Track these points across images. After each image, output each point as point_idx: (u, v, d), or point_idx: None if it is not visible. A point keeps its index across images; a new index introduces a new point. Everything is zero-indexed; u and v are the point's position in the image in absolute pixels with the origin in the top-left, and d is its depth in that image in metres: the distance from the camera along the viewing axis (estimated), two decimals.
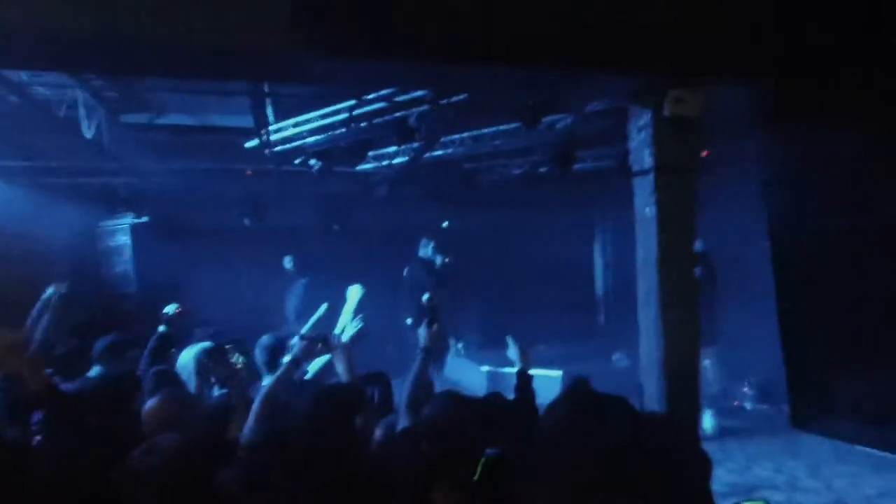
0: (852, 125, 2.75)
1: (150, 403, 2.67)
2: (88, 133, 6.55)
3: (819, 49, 2.93)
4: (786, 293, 3.10)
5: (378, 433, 2.75)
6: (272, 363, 3.65)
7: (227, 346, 3.01)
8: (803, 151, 3.06)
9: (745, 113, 3.49)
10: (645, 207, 3.56)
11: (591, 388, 2.34)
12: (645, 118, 3.52)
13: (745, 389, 8.19)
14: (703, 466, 2.53)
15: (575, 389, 2.23)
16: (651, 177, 3.47)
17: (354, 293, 4.09)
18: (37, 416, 2.37)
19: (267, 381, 3.63)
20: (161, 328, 4.12)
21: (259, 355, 3.72)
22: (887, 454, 5.28)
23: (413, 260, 8.43)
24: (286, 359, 3.11)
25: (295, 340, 3.25)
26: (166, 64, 3.16)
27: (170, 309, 4.28)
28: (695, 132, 3.48)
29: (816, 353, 2.98)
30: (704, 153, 6.83)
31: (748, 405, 8.13)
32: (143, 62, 3.16)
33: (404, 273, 8.38)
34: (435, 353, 3.46)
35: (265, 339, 3.79)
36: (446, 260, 8.35)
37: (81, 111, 6.29)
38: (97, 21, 2.66)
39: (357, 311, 3.19)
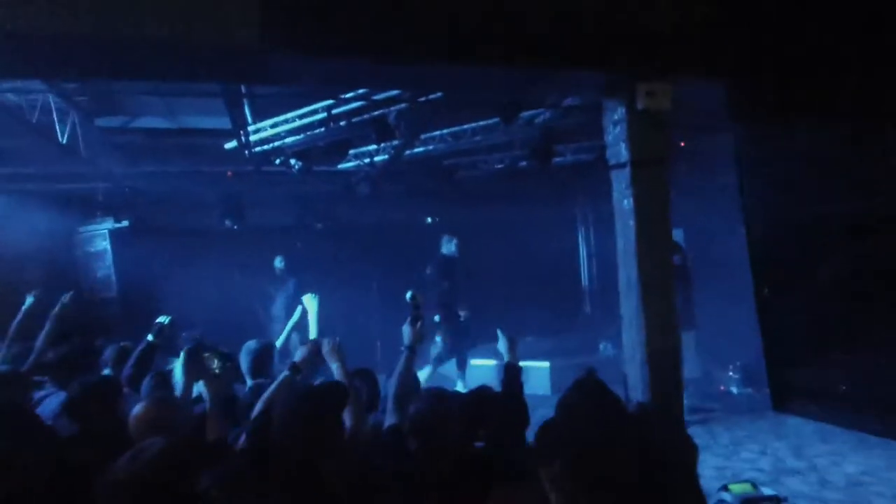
0: (818, 122, 2.82)
1: (137, 408, 2.65)
2: (62, 138, 6.46)
3: (785, 48, 2.99)
4: (761, 280, 3.17)
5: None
6: (257, 368, 3.64)
7: (206, 354, 2.97)
8: (773, 146, 3.13)
9: (720, 107, 3.54)
10: (623, 200, 3.60)
11: (598, 378, 2.39)
12: (619, 112, 3.56)
13: (731, 374, 8.31)
14: (690, 453, 2.59)
15: (585, 379, 2.28)
16: (627, 170, 3.51)
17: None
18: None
19: (250, 384, 3.63)
20: (150, 337, 4.08)
21: (244, 360, 3.69)
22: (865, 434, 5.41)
23: (436, 257, 8.46)
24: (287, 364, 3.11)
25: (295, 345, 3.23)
26: (135, 65, 3.13)
27: (163, 319, 4.25)
28: (668, 125, 3.53)
29: (792, 338, 3.06)
30: (682, 144, 6.94)
31: (734, 389, 8.25)
32: (112, 63, 3.12)
33: (427, 271, 8.40)
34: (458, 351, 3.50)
35: (251, 344, 3.77)
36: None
37: (54, 116, 6.20)
38: (64, 24, 2.63)
39: (414, 316, 3.18)
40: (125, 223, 8.54)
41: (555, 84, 3.68)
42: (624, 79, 3.39)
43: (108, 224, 8.50)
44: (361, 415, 2.77)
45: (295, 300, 9.16)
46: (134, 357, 3.91)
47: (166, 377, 3.45)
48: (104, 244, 8.50)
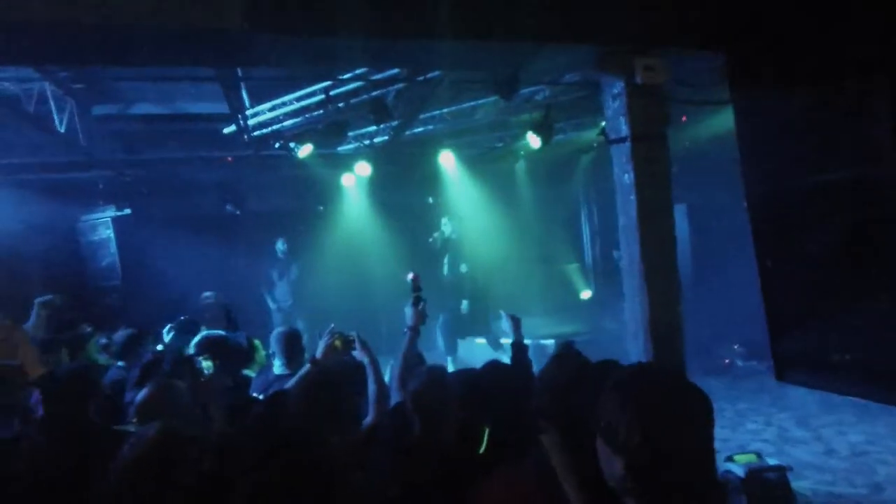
0: (818, 88, 2.79)
1: (141, 394, 2.68)
2: (61, 127, 6.44)
3: (783, 14, 2.94)
4: (763, 251, 3.15)
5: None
6: (288, 353, 3.69)
7: (198, 357, 2.98)
8: (773, 115, 3.10)
9: (719, 78, 3.50)
10: (623, 174, 3.58)
11: (576, 349, 2.40)
12: (618, 87, 3.53)
13: (735, 347, 8.35)
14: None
15: (562, 351, 2.29)
16: (627, 144, 3.48)
17: None
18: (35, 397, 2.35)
19: (278, 369, 3.68)
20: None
21: (276, 346, 3.75)
22: (871, 402, 5.44)
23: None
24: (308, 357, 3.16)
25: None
26: (126, 50, 3.11)
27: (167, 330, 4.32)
28: (666, 99, 3.51)
29: (795, 308, 3.05)
30: (683, 119, 6.87)
31: (739, 362, 8.29)
32: (104, 50, 3.10)
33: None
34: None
35: (281, 330, 3.83)
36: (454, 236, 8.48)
37: (52, 105, 6.18)
38: (56, 11, 2.61)
39: (416, 297, 3.21)
40: (127, 211, 8.56)
41: (553, 60, 3.63)
42: (622, 53, 3.35)
43: (111, 212, 8.51)
44: (384, 403, 2.81)
45: (298, 284, 9.26)
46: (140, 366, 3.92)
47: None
48: (107, 232, 8.53)
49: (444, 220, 8.77)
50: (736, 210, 7.24)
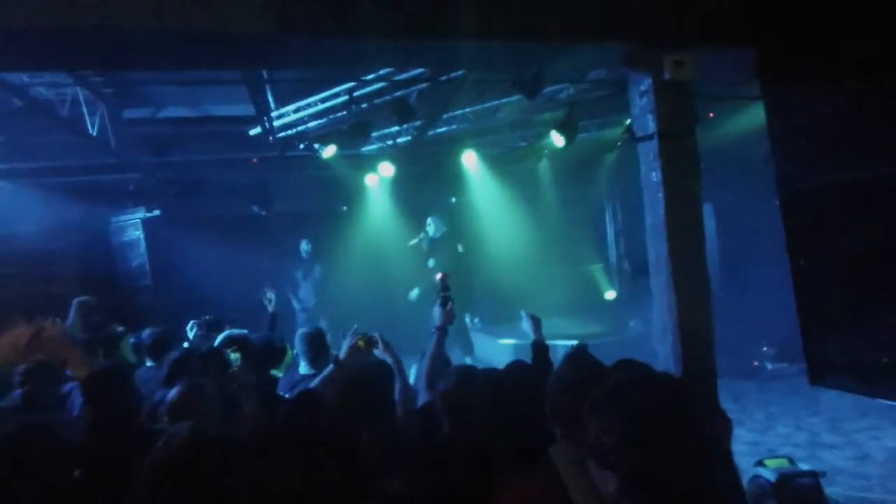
0: (852, 82, 2.71)
1: (172, 393, 2.72)
2: (93, 130, 6.60)
3: (811, 8, 2.87)
4: (796, 250, 3.08)
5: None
6: (313, 353, 3.72)
7: (223, 348, 3.03)
8: (806, 110, 3.02)
9: (748, 72, 3.43)
10: (650, 172, 3.52)
11: (588, 352, 2.38)
12: (645, 83, 3.47)
13: (764, 349, 8.18)
14: (723, 427, 2.55)
15: (574, 354, 2.28)
16: (655, 142, 3.42)
17: None
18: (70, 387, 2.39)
19: (304, 369, 3.72)
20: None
21: (300, 346, 3.79)
22: None
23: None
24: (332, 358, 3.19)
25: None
26: (153, 55, 3.16)
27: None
28: (695, 95, 3.45)
29: (829, 309, 2.97)
30: (710, 115, 6.76)
31: (768, 365, 8.12)
32: (131, 54, 3.16)
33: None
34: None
35: (305, 331, 3.86)
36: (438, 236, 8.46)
37: (84, 109, 6.33)
38: (86, 16, 2.66)
39: (444, 297, 3.22)
40: (157, 212, 8.73)
41: (579, 57, 3.59)
42: (650, 49, 3.30)
43: (141, 213, 8.69)
44: (409, 402, 2.82)
45: (321, 284, 9.34)
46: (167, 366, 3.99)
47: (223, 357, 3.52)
48: (137, 233, 8.71)
49: (428, 221, 8.66)
50: (764, 209, 7.11)
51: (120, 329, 4.82)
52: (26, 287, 8.30)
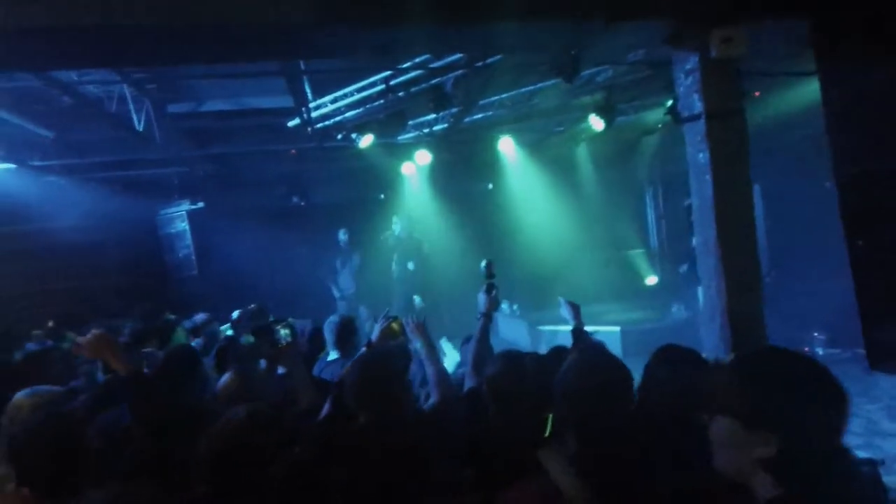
0: None
1: (223, 379, 2.80)
2: (139, 126, 6.79)
3: None
4: (853, 232, 2.95)
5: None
6: (340, 340, 3.77)
7: (273, 325, 3.09)
8: (863, 86, 2.87)
9: (802, 50, 3.29)
10: (697, 154, 3.43)
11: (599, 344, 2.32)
12: (691, 62, 3.37)
13: (816, 335, 7.91)
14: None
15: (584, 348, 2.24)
16: (702, 122, 3.33)
17: None
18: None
19: (331, 356, 3.77)
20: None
21: (328, 333, 3.83)
22: None
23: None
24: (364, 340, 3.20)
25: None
26: (197, 50, 3.22)
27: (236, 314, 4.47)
28: (744, 72, 3.33)
29: (889, 293, 2.85)
30: (756, 94, 6.52)
31: (819, 351, 7.86)
32: (175, 50, 3.23)
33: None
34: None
35: (334, 319, 3.90)
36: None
37: (130, 105, 6.51)
38: (128, 15, 2.73)
39: (489, 284, 3.21)
40: (201, 204, 8.96)
41: (621, 37, 3.50)
42: (696, 25, 3.20)
43: (186, 206, 8.94)
44: (446, 385, 2.81)
45: (360, 272, 9.46)
46: (214, 350, 4.10)
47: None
48: (183, 225, 8.97)
49: (394, 220, 9.04)
50: (814, 190, 6.86)
51: (172, 317, 4.99)
52: (78, 278, 8.68)
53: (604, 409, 1.88)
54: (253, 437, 1.78)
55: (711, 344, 3.50)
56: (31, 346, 4.27)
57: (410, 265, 8.87)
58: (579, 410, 1.90)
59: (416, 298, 8.92)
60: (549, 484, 1.72)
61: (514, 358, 2.39)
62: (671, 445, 1.78)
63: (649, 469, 1.70)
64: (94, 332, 2.53)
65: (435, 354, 2.96)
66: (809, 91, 4.54)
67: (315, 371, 3.74)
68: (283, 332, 2.99)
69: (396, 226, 9.02)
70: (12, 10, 2.60)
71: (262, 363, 3.17)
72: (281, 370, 3.14)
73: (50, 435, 1.96)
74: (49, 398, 2.67)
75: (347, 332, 3.80)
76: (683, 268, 8.55)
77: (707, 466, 1.34)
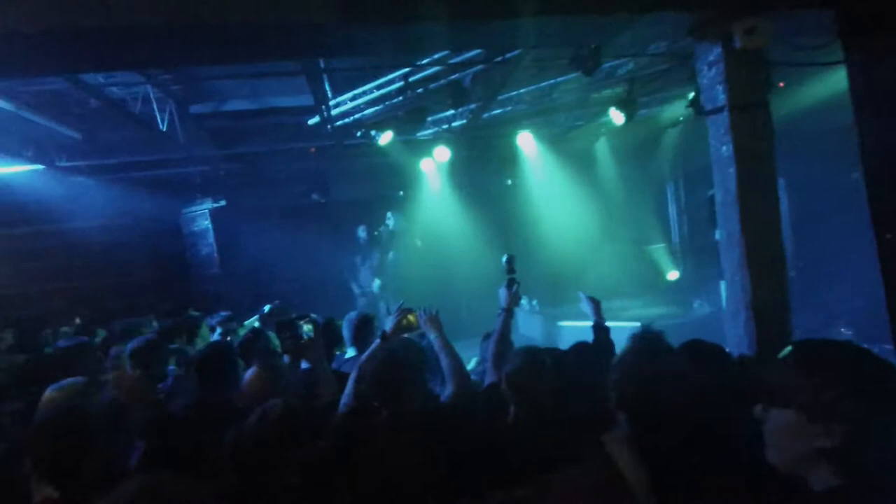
0: None
1: (248, 374, 2.84)
2: (162, 126, 6.90)
3: None
4: (883, 225, 2.89)
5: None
6: (356, 336, 3.79)
7: (296, 320, 3.13)
8: (891, 74, 2.81)
9: (829, 38, 3.21)
10: (721, 147, 3.38)
11: (657, 333, 2.31)
12: (714, 53, 3.32)
13: (843, 330, 7.75)
14: None
15: (643, 336, 2.22)
16: (725, 114, 3.28)
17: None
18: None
19: (351, 352, 3.80)
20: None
21: (346, 329, 3.86)
22: None
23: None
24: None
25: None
26: (219, 50, 3.26)
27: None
28: (768, 63, 3.26)
29: None
30: (780, 85, 6.39)
31: None
32: (197, 50, 3.27)
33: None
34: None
35: (352, 315, 3.93)
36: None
37: (154, 106, 6.62)
38: (150, 14, 2.76)
39: (510, 279, 3.23)
40: (222, 202, 9.08)
41: (642, 29, 3.46)
42: (720, 16, 3.15)
43: (208, 204, 9.07)
44: (462, 376, 2.82)
45: (379, 270, 9.53)
46: (238, 343, 4.16)
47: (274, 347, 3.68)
48: (206, 223, 9.11)
49: (388, 215, 9.19)
50: (840, 182, 6.72)
51: (196, 314, 5.08)
52: (106, 276, 8.86)
53: (661, 395, 1.87)
54: (288, 431, 1.80)
55: (736, 339, 3.45)
56: (62, 342, 4.39)
57: (391, 254, 9.10)
58: (637, 396, 1.89)
59: (377, 282, 9.12)
60: (603, 469, 1.71)
61: (533, 353, 2.39)
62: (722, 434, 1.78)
63: (706, 454, 1.70)
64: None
65: (449, 346, 2.97)
66: (836, 81, 4.45)
67: (334, 367, 3.78)
68: (307, 327, 3.03)
69: (390, 220, 9.16)
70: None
71: (286, 358, 3.21)
72: (305, 365, 3.18)
73: (56, 428, 1.97)
74: (77, 390, 2.75)
75: (365, 329, 3.83)
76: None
77: (756, 456, 1.35)
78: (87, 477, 1.88)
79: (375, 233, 9.21)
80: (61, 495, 1.91)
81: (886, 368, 1.27)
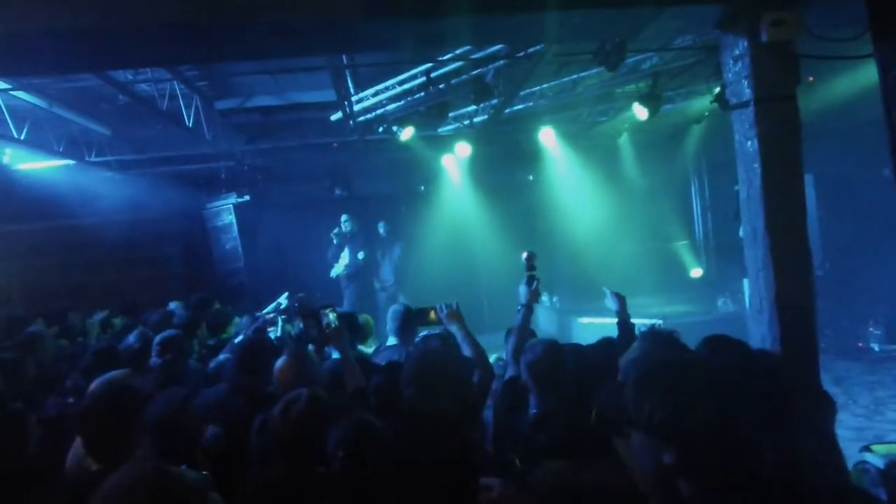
0: None
1: (280, 363, 2.89)
2: (189, 122, 7.02)
3: None
4: None
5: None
6: (400, 328, 3.89)
7: (321, 310, 3.19)
8: None
9: (859, 31, 3.14)
10: (746, 142, 3.33)
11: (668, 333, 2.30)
12: (741, 46, 3.27)
13: (871, 329, 7.60)
14: (825, 409, 2.41)
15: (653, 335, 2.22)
16: (751, 109, 3.23)
17: None
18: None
19: (391, 341, 3.89)
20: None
21: (391, 321, 3.97)
22: None
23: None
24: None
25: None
26: (243, 46, 3.30)
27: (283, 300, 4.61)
28: (795, 56, 3.20)
29: None
30: (810, 79, 6.27)
31: (875, 346, 7.55)
32: (224, 47, 3.32)
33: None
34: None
35: (398, 308, 4.04)
36: None
37: (181, 102, 6.74)
38: (176, 12, 2.82)
39: (530, 275, 3.27)
40: (246, 197, 9.22)
41: (668, 22, 3.42)
42: (747, 8, 3.10)
43: (232, 199, 9.21)
44: (484, 365, 2.86)
45: (400, 264, 9.59)
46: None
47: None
48: (230, 217, 9.25)
49: (343, 218, 9.23)
50: (870, 179, 6.57)
51: (218, 307, 5.17)
52: (135, 270, 9.07)
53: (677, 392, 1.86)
54: (320, 418, 1.84)
55: (759, 337, 3.41)
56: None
57: (361, 255, 9.18)
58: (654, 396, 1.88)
59: (361, 254, 9.26)
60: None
61: (552, 344, 2.41)
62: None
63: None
64: None
65: (471, 336, 3.03)
66: (866, 74, 4.35)
67: (375, 355, 3.93)
68: (332, 315, 3.09)
69: (346, 224, 9.25)
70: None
71: (310, 347, 3.27)
72: (336, 355, 3.24)
73: (104, 405, 2.12)
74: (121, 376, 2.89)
75: (410, 322, 3.93)
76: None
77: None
78: (128, 454, 1.97)
79: (332, 234, 9.31)
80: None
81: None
